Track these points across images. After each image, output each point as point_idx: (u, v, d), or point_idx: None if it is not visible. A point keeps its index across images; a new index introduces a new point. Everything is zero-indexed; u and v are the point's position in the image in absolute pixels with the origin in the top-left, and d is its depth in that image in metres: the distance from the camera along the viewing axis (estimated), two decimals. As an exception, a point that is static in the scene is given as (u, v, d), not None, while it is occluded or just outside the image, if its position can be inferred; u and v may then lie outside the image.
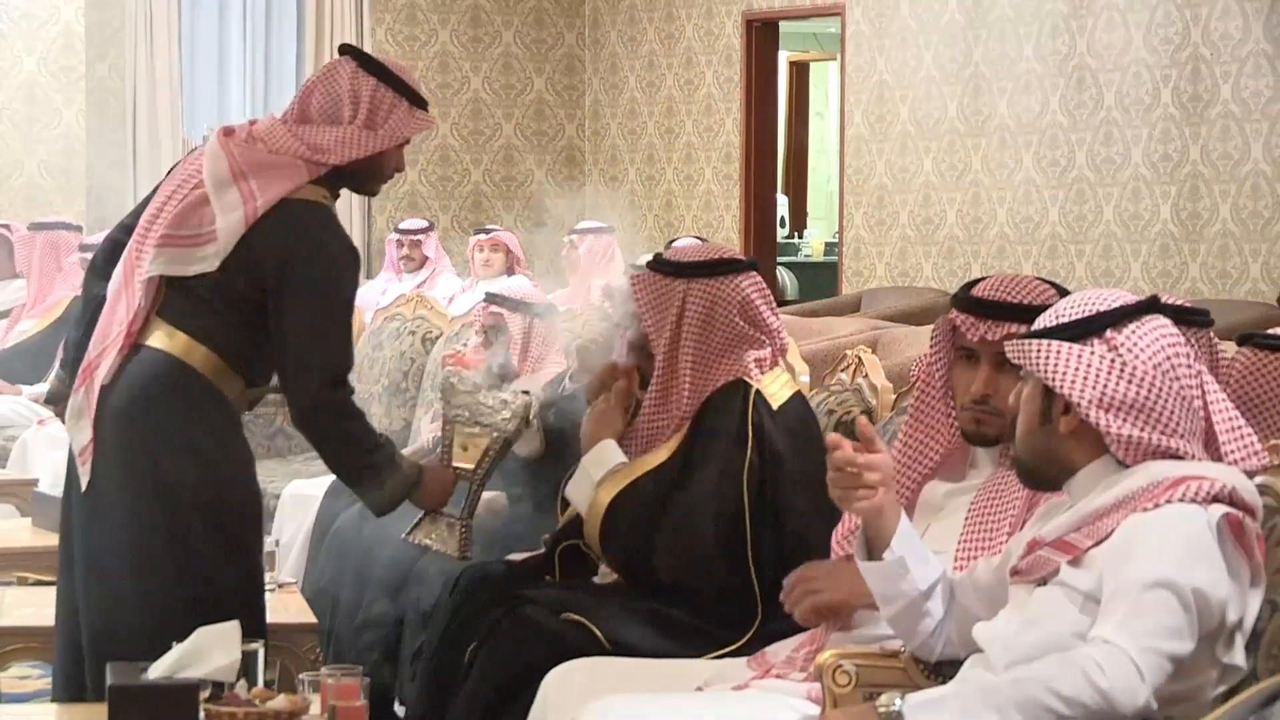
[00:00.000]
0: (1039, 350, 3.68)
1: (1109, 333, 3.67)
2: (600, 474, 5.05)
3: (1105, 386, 3.63)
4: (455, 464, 5.20)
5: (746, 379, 5.04)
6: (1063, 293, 4.27)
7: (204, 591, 4.78)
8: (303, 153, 4.91)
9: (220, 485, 4.88)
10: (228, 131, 5.03)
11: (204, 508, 4.84)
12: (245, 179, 4.88)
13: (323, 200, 4.94)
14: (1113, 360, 3.65)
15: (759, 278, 5.14)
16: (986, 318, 4.28)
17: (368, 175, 5.06)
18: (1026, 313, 4.16)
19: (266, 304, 4.85)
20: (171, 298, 4.91)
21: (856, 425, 3.91)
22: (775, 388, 5.07)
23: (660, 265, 5.14)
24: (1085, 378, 3.64)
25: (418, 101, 5.05)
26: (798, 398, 5.13)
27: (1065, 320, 3.70)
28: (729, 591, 4.89)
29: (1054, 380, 3.65)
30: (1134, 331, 3.68)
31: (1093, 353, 3.66)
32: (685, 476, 4.98)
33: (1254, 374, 4.41)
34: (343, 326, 4.93)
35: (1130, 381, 3.64)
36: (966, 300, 4.32)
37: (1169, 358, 3.68)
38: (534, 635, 4.81)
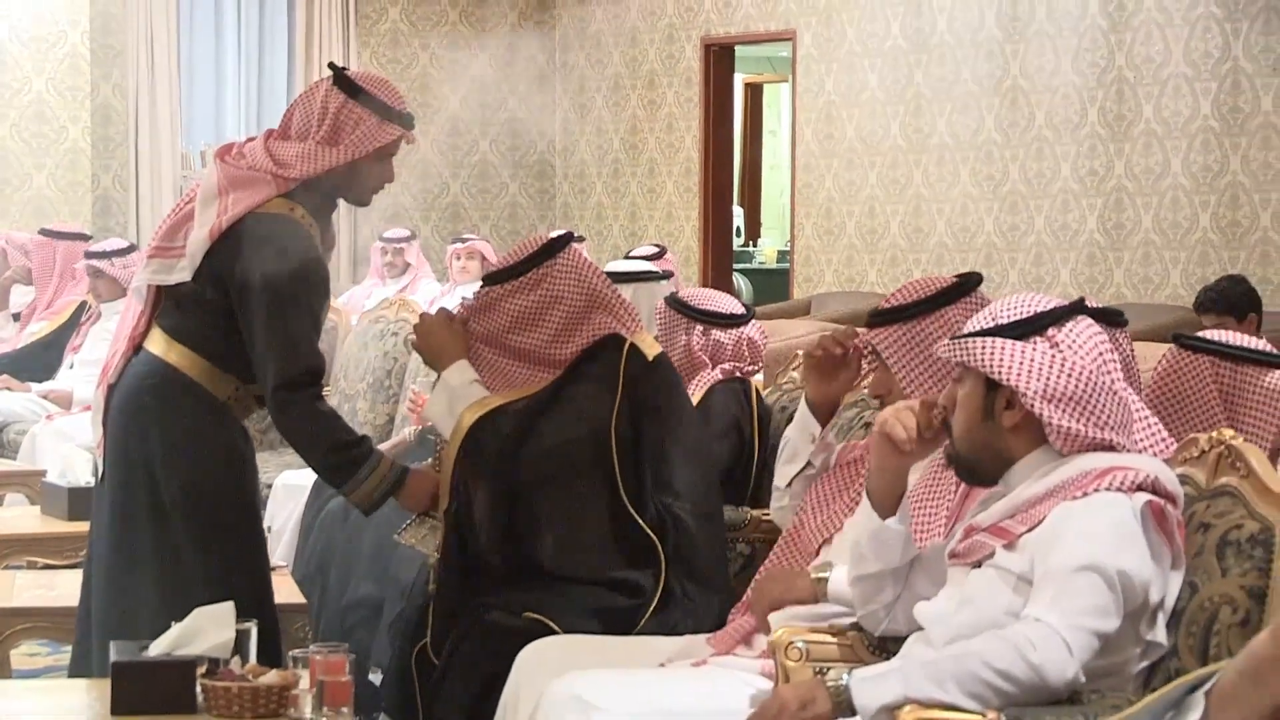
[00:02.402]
0: (983, 347, 3.68)
1: (1050, 330, 3.69)
2: (465, 394, 4.95)
3: (1048, 379, 3.65)
4: (442, 469, 5.05)
5: (622, 333, 4.98)
6: (964, 277, 4.35)
7: (180, 580, 4.75)
8: (270, 168, 4.86)
9: (201, 480, 4.84)
10: (225, 149, 4.99)
11: (184, 503, 4.82)
12: (226, 194, 4.84)
13: (288, 213, 4.85)
14: (1054, 356, 3.66)
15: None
16: (869, 327, 4.40)
17: (349, 187, 4.99)
18: (886, 315, 4.31)
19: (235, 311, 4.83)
20: (165, 305, 4.93)
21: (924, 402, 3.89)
22: (647, 345, 5.03)
23: (500, 275, 5.05)
24: (1030, 371, 3.65)
25: (391, 115, 4.94)
26: (665, 356, 5.09)
27: (1007, 320, 3.71)
28: (624, 540, 4.86)
29: (1000, 374, 3.66)
30: (1071, 330, 3.70)
31: (1035, 349, 3.67)
32: (551, 412, 4.91)
33: (1177, 372, 4.42)
34: (300, 332, 4.81)
35: (1070, 376, 3.65)
36: (873, 312, 4.47)
37: (1101, 354, 3.70)
38: (501, 635, 4.78)
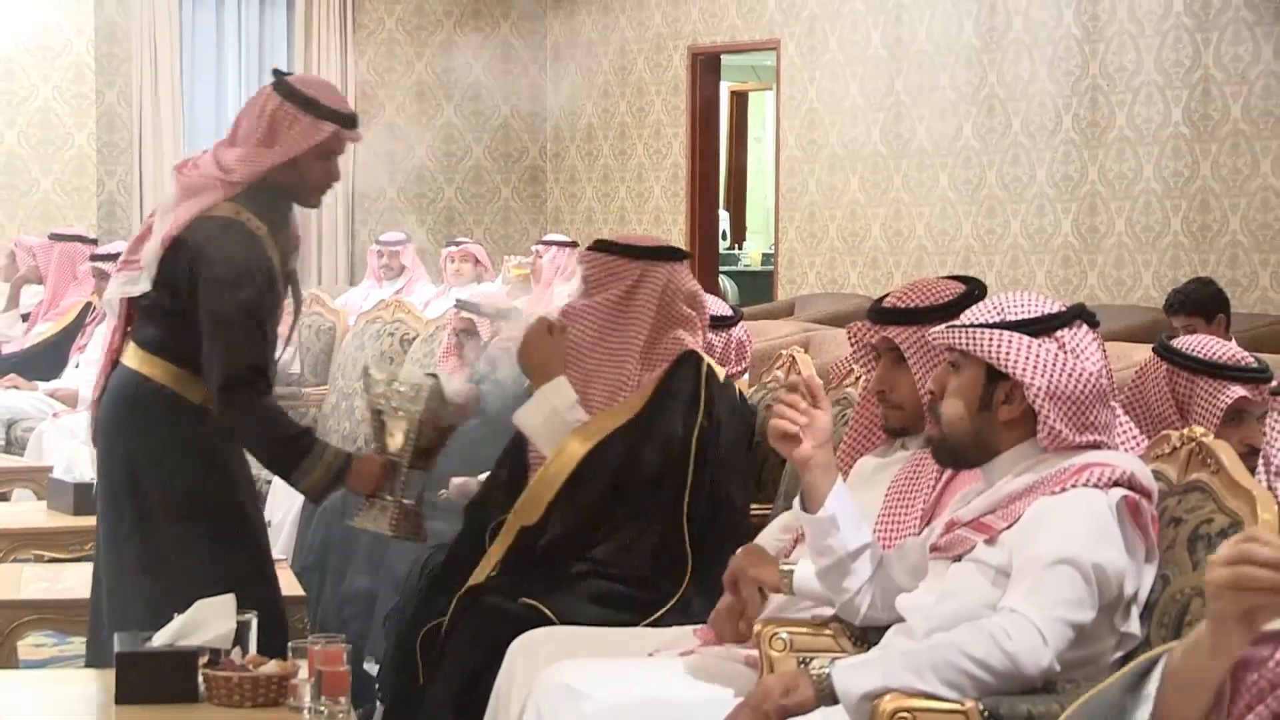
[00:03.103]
0: (993, 339, 3.66)
1: (1060, 332, 3.68)
2: (568, 416, 5.01)
3: (1054, 378, 3.64)
4: (387, 451, 5.01)
5: (698, 351, 5.04)
6: (971, 284, 4.31)
7: (174, 583, 4.72)
8: (216, 173, 4.87)
9: (184, 484, 4.87)
10: (183, 164, 5.02)
11: (169, 509, 4.85)
12: (180, 204, 4.87)
13: (234, 216, 4.84)
14: (1060, 357, 3.65)
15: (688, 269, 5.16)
16: (878, 322, 4.34)
17: (294, 187, 4.94)
18: (908, 315, 4.24)
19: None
20: (137, 317, 4.97)
21: (808, 381, 3.88)
22: (717, 365, 5.12)
23: (610, 247, 5.11)
24: (1039, 368, 3.64)
25: (324, 113, 4.89)
26: (730, 379, 5.18)
27: (1017, 317, 3.68)
28: (662, 548, 4.88)
29: (1010, 367, 3.64)
30: (1076, 335, 3.69)
31: (1044, 347, 3.66)
32: (651, 438, 4.96)
33: (1147, 376, 4.44)
34: (242, 331, 4.80)
35: (1073, 378, 3.64)
36: (870, 308, 4.39)
37: (1100, 362, 3.70)
38: (496, 619, 4.78)
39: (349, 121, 4.94)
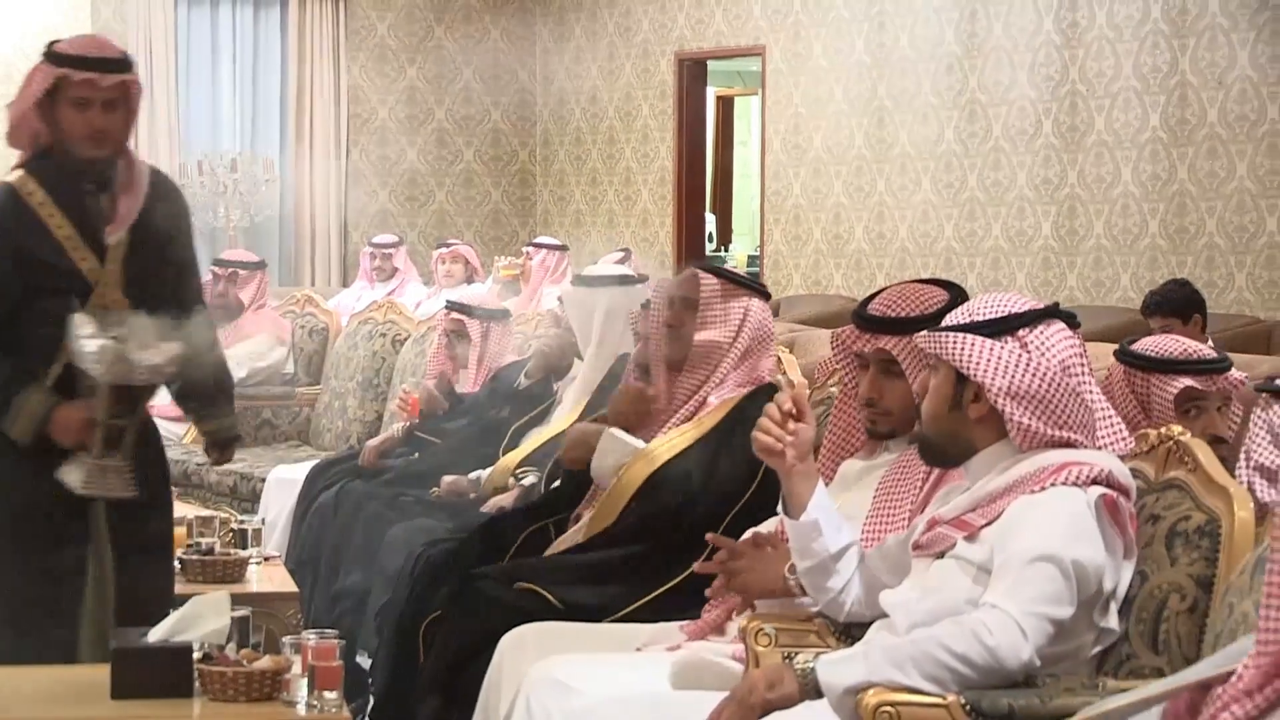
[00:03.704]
0: (955, 342, 3.68)
1: (1021, 331, 3.69)
2: (622, 455, 5.06)
3: (1014, 378, 3.65)
4: (93, 409, 4.80)
5: (774, 382, 5.08)
6: (957, 292, 4.29)
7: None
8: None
9: None
10: None
11: None
12: None
13: (11, 182, 4.77)
14: (1021, 356, 3.66)
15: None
16: (868, 331, 4.31)
17: (61, 143, 4.74)
18: (900, 325, 4.21)
19: None
20: None
21: (793, 396, 3.92)
22: None
23: (729, 276, 5.16)
24: (998, 369, 3.65)
25: (55, 59, 4.76)
26: None
27: (981, 318, 3.70)
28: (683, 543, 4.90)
29: (969, 369, 3.66)
30: (1042, 333, 3.70)
31: (1004, 348, 3.67)
32: (725, 455, 4.98)
33: (1113, 380, 4.45)
34: None
35: (1034, 376, 3.65)
36: (856, 315, 4.36)
37: (1069, 358, 3.70)
38: (490, 606, 4.78)
39: (79, 64, 4.74)
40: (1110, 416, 3.88)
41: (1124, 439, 3.86)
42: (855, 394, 4.42)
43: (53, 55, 4.75)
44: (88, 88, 4.70)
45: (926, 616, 3.59)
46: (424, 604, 5.08)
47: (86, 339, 4.70)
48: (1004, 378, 3.65)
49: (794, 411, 3.88)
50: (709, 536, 4.36)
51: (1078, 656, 3.59)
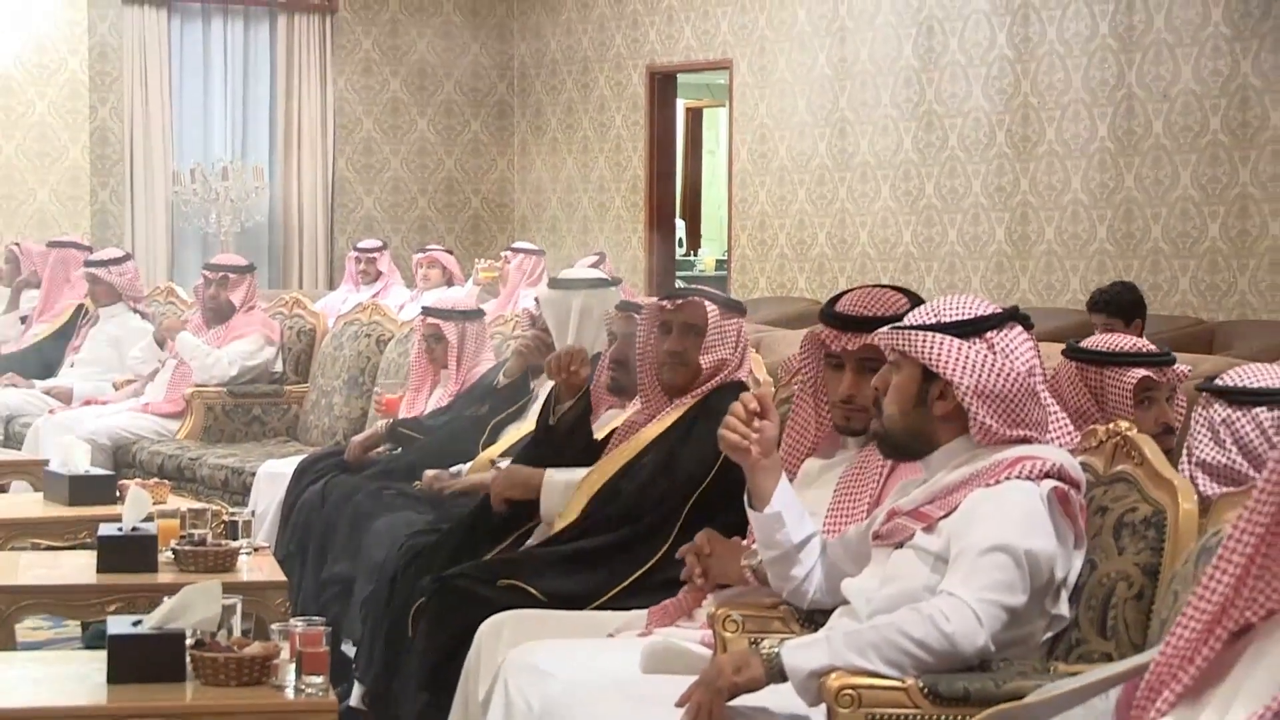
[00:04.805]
0: (926, 340, 3.67)
1: (990, 334, 3.68)
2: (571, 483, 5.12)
3: (981, 378, 3.64)
4: None
5: (744, 380, 5.10)
6: (914, 298, 4.28)
7: None
8: None
9: None
10: None
11: None
12: None
13: None
14: (989, 358, 3.66)
15: None
16: (848, 330, 4.27)
17: None
18: (881, 323, 4.18)
19: None
20: None
21: (758, 395, 3.92)
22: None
23: (723, 301, 5.19)
24: (967, 369, 3.64)
25: None
26: None
27: (950, 319, 3.69)
28: (653, 527, 4.90)
29: (940, 367, 3.65)
30: (1007, 336, 3.70)
31: (973, 348, 3.66)
32: (684, 441, 4.98)
33: (1061, 378, 4.45)
34: None
35: (1001, 377, 3.65)
36: (831, 316, 4.31)
37: (1030, 361, 3.70)
38: (470, 602, 4.77)
39: None
40: (1057, 414, 3.90)
41: (1070, 434, 3.87)
42: (815, 392, 4.42)
43: None
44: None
45: (886, 603, 3.59)
46: (410, 591, 5.07)
47: None
48: (972, 377, 3.65)
49: (759, 410, 3.88)
50: (681, 551, 4.38)
51: (1029, 642, 3.60)
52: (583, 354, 5.40)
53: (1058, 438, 3.85)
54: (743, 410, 3.88)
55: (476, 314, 7.57)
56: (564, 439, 5.36)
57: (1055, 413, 3.89)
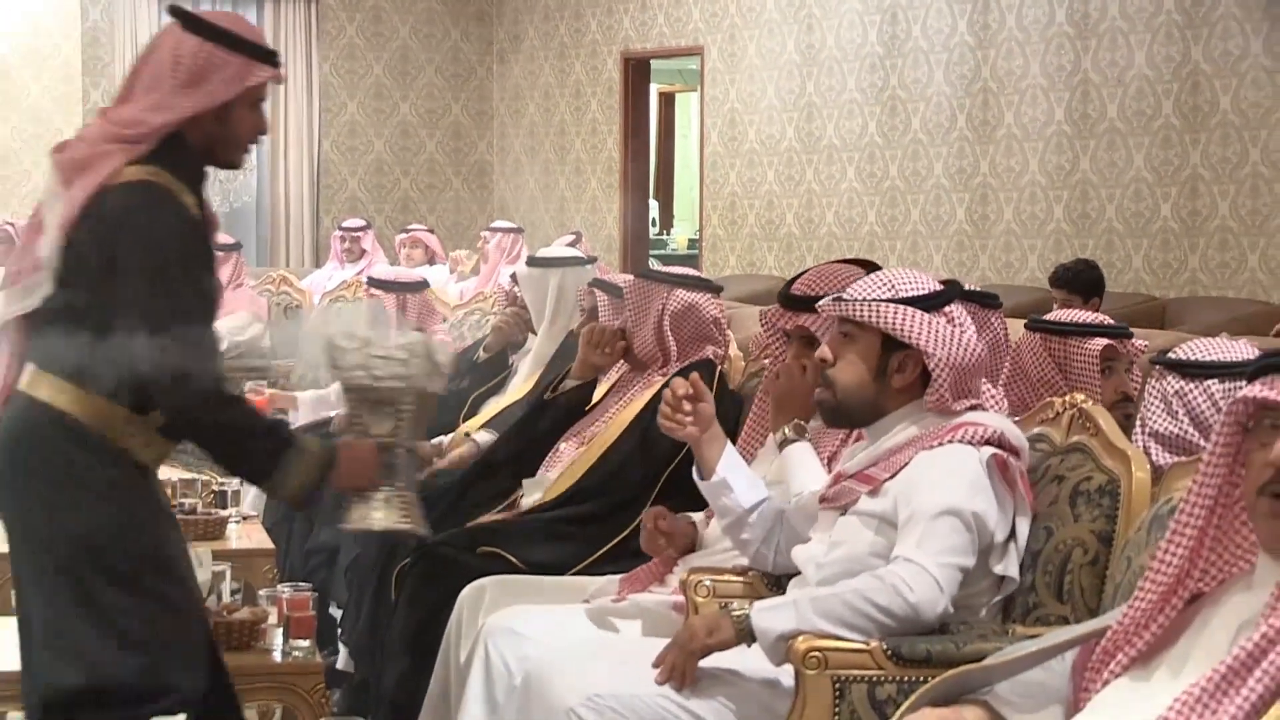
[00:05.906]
0: (896, 313, 3.65)
1: (949, 308, 3.68)
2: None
3: (951, 350, 3.64)
4: (372, 433, 3.70)
5: (715, 360, 5.07)
6: (871, 266, 4.27)
7: (99, 635, 3.54)
8: (113, 133, 3.58)
9: (93, 536, 3.55)
10: (59, 146, 3.67)
11: (77, 565, 3.54)
12: (69, 186, 3.56)
13: (148, 178, 3.53)
14: (953, 331, 3.66)
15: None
16: (800, 311, 4.32)
17: (221, 140, 3.64)
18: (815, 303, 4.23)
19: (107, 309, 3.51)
20: (33, 337, 3.63)
21: (691, 380, 3.97)
22: (734, 375, 5.30)
23: (651, 274, 5.29)
24: (938, 341, 3.64)
25: (257, 54, 3.65)
26: (739, 392, 5.27)
27: (911, 293, 3.67)
28: (626, 499, 4.91)
29: (913, 339, 3.63)
30: (957, 310, 3.70)
31: (938, 321, 3.66)
32: (652, 424, 4.99)
33: (1023, 349, 4.46)
34: (186, 311, 3.51)
35: (964, 350, 3.66)
36: (786, 299, 4.36)
37: (975, 334, 3.71)
38: (452, 569, 4.76)
39: (277, 60, 3.71)
40: (987, 385, 3.94)
41: (995, 401, 3.92)
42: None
43: (255, 49, 3.67)
44: (270, 87, 3.72)
45: (835, 568, 3.60)
46: (394, 557, 5.07)
47: (368, 344, 3.71)
48: (944, 349, 3.64)
49: (690, 394, 3.92)
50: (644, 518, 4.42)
51: (974, 604, 3.60)
52: (617, 336, 5.35)
53: (991, 406, 3.87)
54: (672, 397, 3.93)
55: (419, 285, 7.52)
56: (562, 413, 5.37)
57: (982, 384, 3.91)
